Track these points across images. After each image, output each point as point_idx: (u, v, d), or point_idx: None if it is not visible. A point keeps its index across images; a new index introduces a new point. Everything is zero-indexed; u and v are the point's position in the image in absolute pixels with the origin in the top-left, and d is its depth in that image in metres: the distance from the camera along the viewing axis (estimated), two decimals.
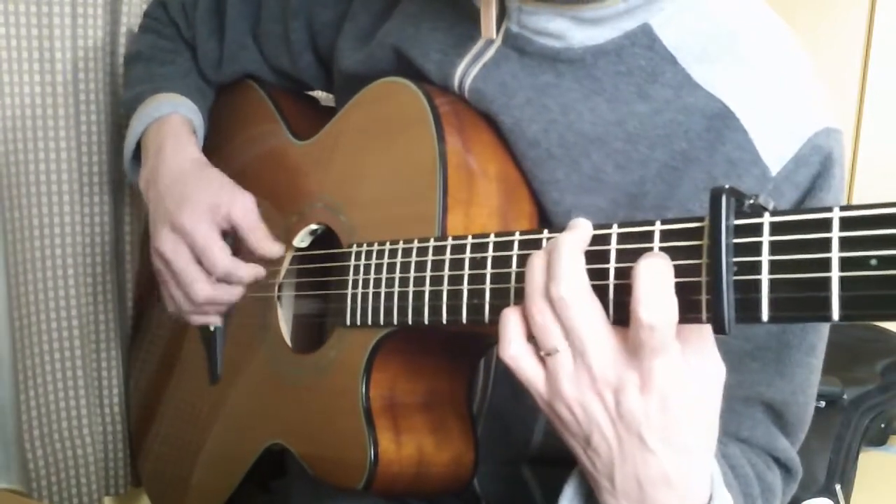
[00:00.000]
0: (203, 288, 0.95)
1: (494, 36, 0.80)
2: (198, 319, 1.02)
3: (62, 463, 1.32)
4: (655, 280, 0.53)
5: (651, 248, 0.57)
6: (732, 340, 0.75)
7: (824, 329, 0.80)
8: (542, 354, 0.59)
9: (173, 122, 1.05)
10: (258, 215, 0.96)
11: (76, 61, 1.24)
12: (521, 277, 0.65)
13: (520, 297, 0.65)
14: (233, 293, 0.97)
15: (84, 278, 1.31)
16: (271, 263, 0.97)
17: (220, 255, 0.94)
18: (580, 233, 0.59)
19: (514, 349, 0.61)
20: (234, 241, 0.99)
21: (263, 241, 0.95)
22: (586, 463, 0.62)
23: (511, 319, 0.61)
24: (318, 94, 1.17)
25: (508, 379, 0.86)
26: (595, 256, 0.60)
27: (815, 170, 0.73)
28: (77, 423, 1.32)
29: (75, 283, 1.29)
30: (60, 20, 1.22)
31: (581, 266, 0.58)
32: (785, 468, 0.81)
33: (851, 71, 1.83)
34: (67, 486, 1.32)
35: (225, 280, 0.96)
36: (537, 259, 0.59)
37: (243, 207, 0.95)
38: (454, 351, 0.86)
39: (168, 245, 0.95)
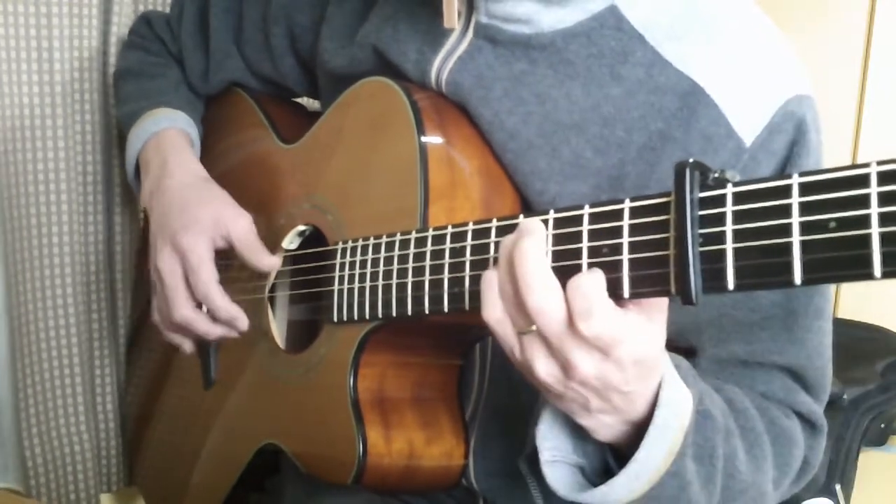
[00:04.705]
0: (184, 309, 0.97)
1: (456, 25, 0.82)
2: (169, 336, 1.03)
3: (59, 461, 1.32)
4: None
5: (621, 226, 0.58)
6: (737, 313, 0.76)
7: (829, 291, 0.80)
8: (517, 332, 0.61)
9: (172, 137, 1.07)
10: (256, 234, 0.97)
11: (73, 61, 1.26)
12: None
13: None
14: (208, 328, 0.98)
15: (80, 277, 1.31)
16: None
17: (206, 276, 0.95)
18: (539, 236, 0.60)
19: (498, 312, 0.62)
20: (228, 262, 1.00)
21: (261, 256, 0.96)
22: (561, 405, 0.64)
23: (493, 282, 0.62)
24: (304, 100, 1.19)
25: (504, 376, 0.87)
26: (568, 237, 0.60)
27: (790, 137, 0.74)
28: (74, 419, 1.33)
29: (72, 283, 1.30)
30: (59, 20, 1.23)
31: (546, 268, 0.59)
32: (809, 423, 0.80)
33: (851, 71, 1.81)
34: (65, 483, 1.33)
35: (204, 303, 0.97)
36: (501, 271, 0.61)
37: (244, 227, 0.97)
38: (443, 345, 0.87)
39: (166, 265, 0.97)
